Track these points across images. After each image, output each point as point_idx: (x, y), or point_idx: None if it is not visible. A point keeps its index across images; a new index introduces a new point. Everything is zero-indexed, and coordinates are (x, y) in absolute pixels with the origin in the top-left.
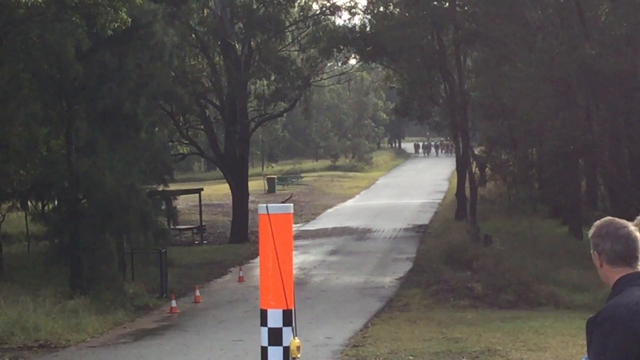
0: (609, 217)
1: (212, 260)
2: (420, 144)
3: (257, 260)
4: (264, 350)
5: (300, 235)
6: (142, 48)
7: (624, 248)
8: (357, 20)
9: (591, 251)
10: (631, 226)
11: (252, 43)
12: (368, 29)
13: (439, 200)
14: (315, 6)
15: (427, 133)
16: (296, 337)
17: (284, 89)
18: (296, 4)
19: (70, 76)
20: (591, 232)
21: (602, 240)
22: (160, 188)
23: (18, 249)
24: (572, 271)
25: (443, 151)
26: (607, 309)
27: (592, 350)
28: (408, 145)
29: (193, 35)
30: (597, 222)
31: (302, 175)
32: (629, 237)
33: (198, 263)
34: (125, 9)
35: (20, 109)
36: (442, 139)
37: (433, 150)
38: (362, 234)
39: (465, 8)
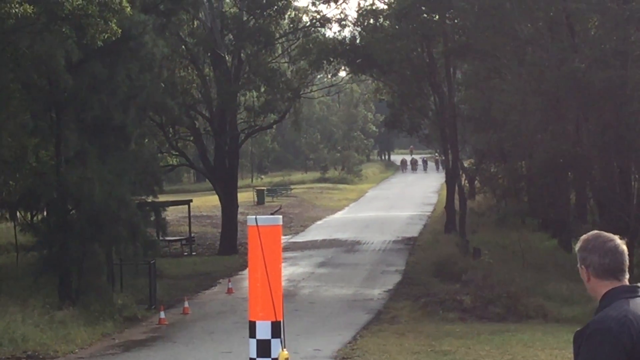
0: (595, 231)
1: (201, 271)
2: (409, 158)
3: (246, 271)
4: None
5: (289, 247)
6: (132, 59)
7: (611, 261)
8: (347, 32)
9: (578, 265)
10: (618, 239)
11: (242, 54)
12: (358, 41)
13: (428, 213)
14: (305, 18)
15: (411, 146)
16: (284, 349)
17: (273, 100)
18: (286, 16)
19: (60, 87)
20: (578, 245)
21: (590, 253)
22: (150, 199)
23: (7, 259)
24: (561, 284)
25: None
26: (596, 321)
27: None
28: (398, 158)
29: (183, 47)
30: (584, 236)
31: (292, 187)
32: (616, 251)
33: (187, 274)
34: (115, 20)
35: (9, 120)
36: (431, 153)
37: (421, 164)
38: (351, 246)
39: (455, 21)
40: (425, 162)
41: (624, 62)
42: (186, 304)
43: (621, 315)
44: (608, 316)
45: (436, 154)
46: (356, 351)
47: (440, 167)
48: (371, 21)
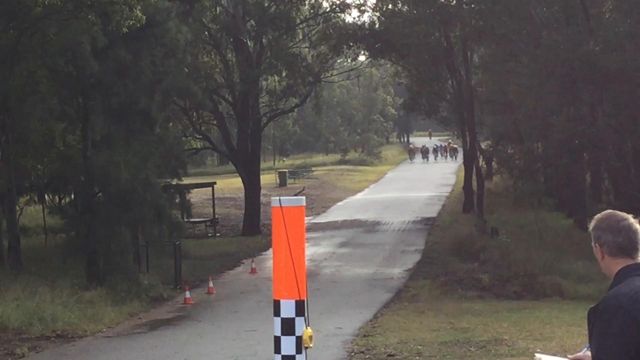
0: (609, 210)
1: (225, 252)
2: (421, 143)
3: (269, 252)
4: (277, 340)
5: (311, 228)
6: (156, 45)
7: (625, 240)
8: (366, 17)
9: (592, 243)
10: (631, 218)
11: (263, 40)
12: (377, 26)
13: (447, 194)
14: (325, 4)
15: (430, 129)
16: (308, 327)
17: (294, 85)
18: (307, 2)
19: (86, 73)
20: (592, 224)
21: (604, 232)
22: (174, 182)
23: (36, 241)
24: (577, 263)
25: (446, 155)
26: (608, 298)
27: (594, 339)
28: (416, 140)
29: (206, 33)
30: (598, 215)
31: (313, 169)
32: (630, 229)
33: (211, 255)
34: (139, 7)
35: (37, 105)
36: (449, 135)
37: (432, 153)
38: (371, 227)
39: (472, 5)
40: (436, 150)
41: (638, 45)
42: (211, 284)
43: (633, 292)
44: (620, 293)
45: (449, 142)
46: (377, 329)
47: (449, 157)
48: (390, 6)
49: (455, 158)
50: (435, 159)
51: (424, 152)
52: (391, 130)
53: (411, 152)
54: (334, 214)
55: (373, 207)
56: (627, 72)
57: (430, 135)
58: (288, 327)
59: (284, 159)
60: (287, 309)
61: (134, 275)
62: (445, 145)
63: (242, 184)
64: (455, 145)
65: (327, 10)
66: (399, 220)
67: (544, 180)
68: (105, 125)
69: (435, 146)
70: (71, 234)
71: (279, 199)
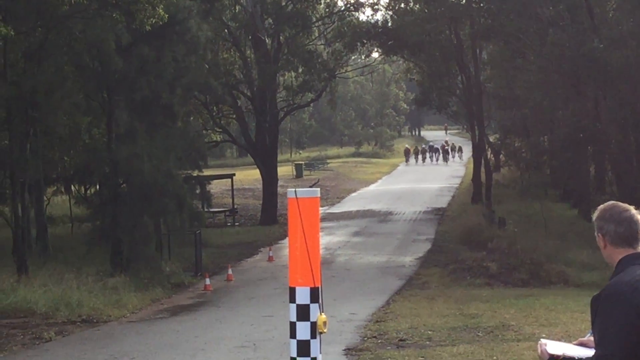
0: (612, 202)
1: (243, 241)
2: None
3: (286, 241)
4: (292, 325)
5: (325, 218)
6: (178, 42)
7: (627, 230)
8: (379, 16)
9: (595, 233)
10: (633, 210)
11: (281, 37)
12: (390, 24)
13: (456, 185)
14: (340, 3)
15: (445, 124)
16: (323, 313)
17: (310, 80)
18: (322, 1)
19: (111, 69)
20: (596, 215)
21: (606, 222)
22: (195, 173)
23: (62, 230)
24: (581, 251)
25: (447, 155)
26: (610, 286)
27: (597, 325)
28: (428, 134)
29: (226, 30)
30: (601, 206)
31: (328, 161)
32: (631, 220)
33: (230, 244)
34: (162, 6)
35: (64, 100)
36: (459, 129)
37: (428, 155)
38: (384, 217)
39: (481, 4)
40: (435, 150)
41: None
42: (230, 271)
43: (634, 280)
44: (621, 281)
45: (446, 141)
46: (389, 315)
47: (448, 157)
48: (402, 5)
49: (459, 158)
50: (432, 161)
51: (421, 153)
52: (403, 124)
53: (407, 154)
54: (348, 205)
55: (385, 197)
56: (629, 69)
57: (446, 130)
58: (303, 313)
59: (300, 151)
60: (302, 295)
61: (156, 262)
62: (443, 144)
63: (260, 176)
64: (451, 143)
65: (342, 9)
66: (411, 211)
67: (549, 172)
68: (129, 119)
69: (431, 146)
70: (96, 223)
71: (295, 191)
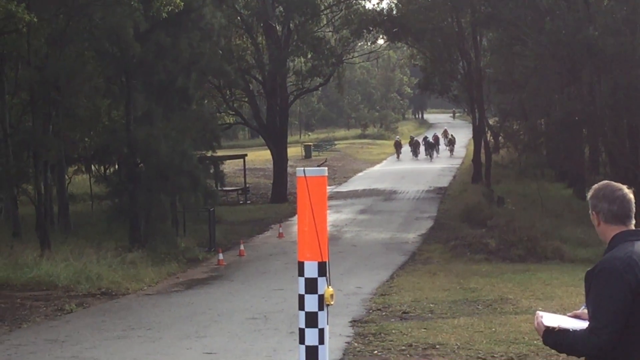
0: (606, 181)
1: (254, 218)
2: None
3: (295, 218)
4: (301, 298)
5: (333, 196)
6: (193, 29)
7: (619, 208)
8: (385, 4)
9: (590, 211)
10: (625, 189)
11: (291, 25)
12: (394, 12)
13: (457, 166)
14: None
15: (453, 109)
16: (330, 287)
17: (319, 65)
18: None
19: (129, 54)
20: (590, 194)
21: (600, 201)
22: (209, 154)
23: (83, 207)
24: (576, 229)
25: (431, 150)
26: (603, 261)
27: (591, 299)
28: (431, 117)
29: (238, 18)
30: (595, 185)
31: (335, 142)
32: (624, 199)
33: (242, 221)
34: None
35: (85, 83)
36: (459, 111)
37: (422, 149)
38: (388, 195)
39: None
40: (431, 142)
41: (634, 30)
42: (242, 247)
43: (626, 256)
44: (614, 257)
45: (445, 130)
46: (393, 288)
47: (436, 153)
48: None
49: (449, 152)
50: (427, 156)
51: (415, 146)
52: (407, 107)
53: (398, 147)
54: (355, 184)
55: (390, 177)
56: (623, 55)
57: (454, 115)
58: (311, 286)
59: (309, 133)
60: (311, 269)
61: (172, 238)
62: (435, 134)
63: (270, 156)
64: (450, 134)
65: None
66: (414, 190)
67: (546, 153)
68: (147, 102)
69: (425, 139)
70: (115, 201)
71: (304, 170)
